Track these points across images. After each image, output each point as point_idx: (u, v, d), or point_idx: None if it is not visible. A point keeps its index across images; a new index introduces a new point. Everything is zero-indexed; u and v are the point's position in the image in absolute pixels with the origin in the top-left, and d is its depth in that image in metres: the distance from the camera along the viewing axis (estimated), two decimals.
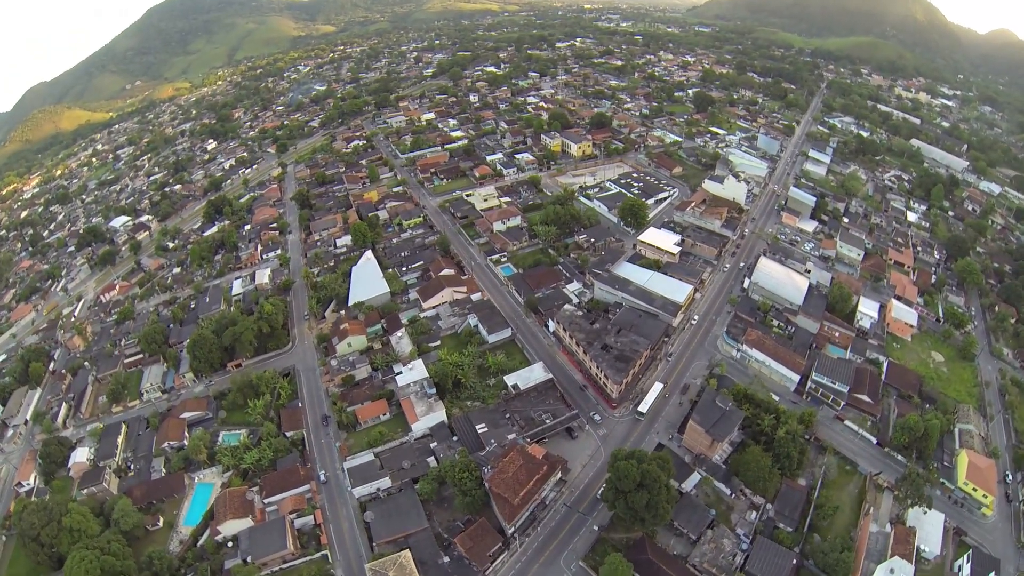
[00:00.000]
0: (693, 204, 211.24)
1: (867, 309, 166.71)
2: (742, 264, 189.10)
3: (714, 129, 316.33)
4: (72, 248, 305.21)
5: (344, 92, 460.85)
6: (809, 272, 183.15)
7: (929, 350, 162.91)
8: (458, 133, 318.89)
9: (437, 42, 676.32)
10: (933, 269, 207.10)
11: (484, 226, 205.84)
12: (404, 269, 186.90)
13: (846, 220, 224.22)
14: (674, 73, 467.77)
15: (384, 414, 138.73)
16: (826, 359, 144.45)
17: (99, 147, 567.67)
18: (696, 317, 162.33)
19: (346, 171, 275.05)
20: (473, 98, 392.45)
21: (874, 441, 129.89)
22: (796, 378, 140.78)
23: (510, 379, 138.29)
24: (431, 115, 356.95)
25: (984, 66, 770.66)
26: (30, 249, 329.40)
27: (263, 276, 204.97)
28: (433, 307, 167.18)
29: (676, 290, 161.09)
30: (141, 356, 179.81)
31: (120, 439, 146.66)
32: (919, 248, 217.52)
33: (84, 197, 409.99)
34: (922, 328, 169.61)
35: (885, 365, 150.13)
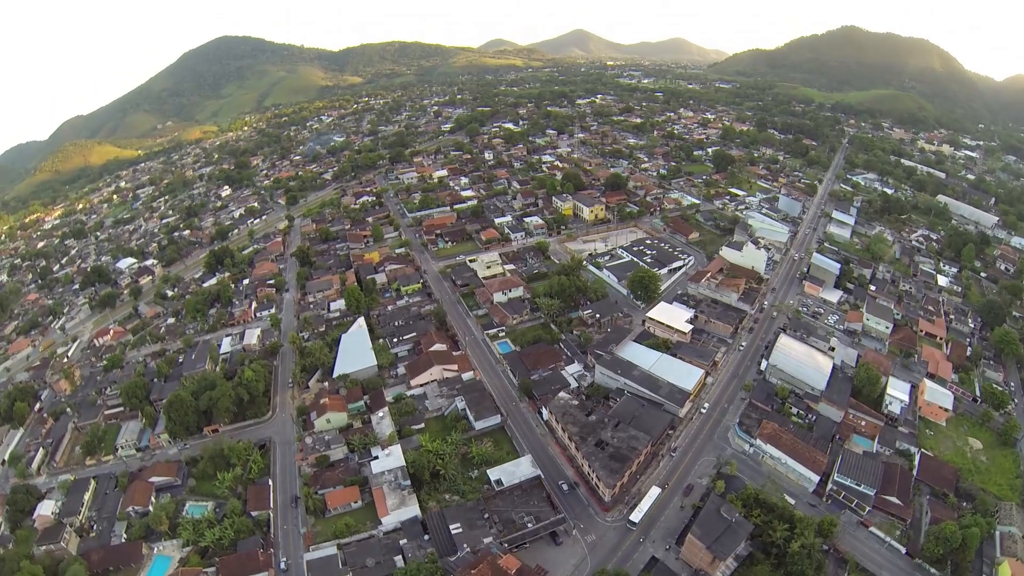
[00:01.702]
0: (709, 275, 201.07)
1: (897, 392, 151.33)
2: (760, 342, 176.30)
3: (734, 190, 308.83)
4: (77, 286, 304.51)
5: (361, 145, 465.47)
6: (833, 350, 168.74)
7: (966, 436, 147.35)
8: (469, 192, 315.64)
9: (459, 97, 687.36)
10: (968, 340, 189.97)
11: (484, 296, 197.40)
12: (396, 340, 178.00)
13: (873, 288, 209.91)
14: (694, 131, 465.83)
15: (355, 502, 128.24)
16: (850, 456, 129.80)
17: (122, 184, 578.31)
18: (706, 405, 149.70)
19: (351, 228, 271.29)
20: (488, 155, 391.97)
21: (903, 551, 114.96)
22: (816, 478, 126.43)
23: (494, 473, 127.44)
24: (444, 172, 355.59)
25: (1003, 113, 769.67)
26: (39, 282, 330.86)
27: (252, 336, 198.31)
28: (421, 385, 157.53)
29: (685, 375, 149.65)
30: (121, 409, 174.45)
31: (88, 495, 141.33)
32: (952, 316, 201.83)
33: (99, 234, 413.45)
34: (958, 410, 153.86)
35: (917, 457, 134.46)
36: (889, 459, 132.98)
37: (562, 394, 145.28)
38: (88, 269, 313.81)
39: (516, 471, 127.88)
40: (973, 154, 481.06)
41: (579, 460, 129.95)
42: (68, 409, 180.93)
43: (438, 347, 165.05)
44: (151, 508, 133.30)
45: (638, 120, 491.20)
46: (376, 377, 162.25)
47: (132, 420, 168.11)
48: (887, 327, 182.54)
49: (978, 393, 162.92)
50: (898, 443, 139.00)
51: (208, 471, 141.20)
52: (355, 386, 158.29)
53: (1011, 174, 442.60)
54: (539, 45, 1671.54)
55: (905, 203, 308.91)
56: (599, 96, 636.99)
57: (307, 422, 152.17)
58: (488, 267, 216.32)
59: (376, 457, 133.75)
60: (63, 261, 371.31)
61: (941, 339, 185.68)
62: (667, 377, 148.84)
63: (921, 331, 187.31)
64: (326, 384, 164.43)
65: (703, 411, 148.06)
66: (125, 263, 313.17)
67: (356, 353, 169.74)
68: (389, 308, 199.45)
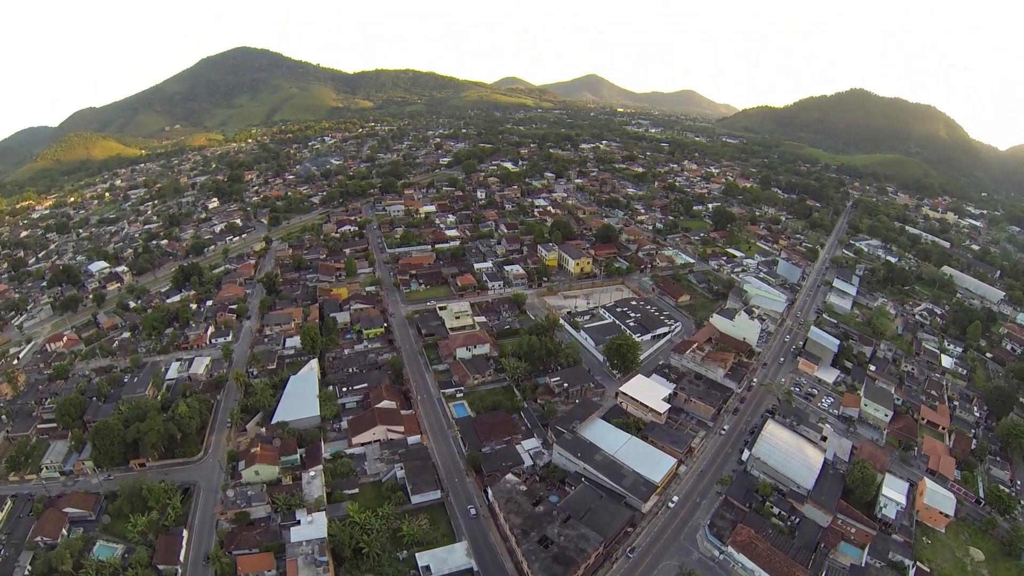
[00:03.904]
0: (696, 345, 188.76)
1: (893, 492, 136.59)
2: (744, 426, 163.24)
3: (731, 251, 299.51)
4: (45, 283, 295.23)
5: (355, 171, 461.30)
6: (825, 440, 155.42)
7: (966, 545, 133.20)
8: (453, 232, 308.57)
9: (464, 131, 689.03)
10: (972, 431, 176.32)
11: (447, 350, 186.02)
12: (346, 389, 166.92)
13: (873, 368, 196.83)
14: (696, 184, 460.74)
15: (269, 571, 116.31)
16: (836, 571, 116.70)
17: (118, 183, 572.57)
18: (675, 499, 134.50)
19: (325, 258, 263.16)
20: (481, 194, 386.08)
21: None
22: None
23: (423, 558, 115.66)
24: (432, 208, 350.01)
25: (1006, 183, 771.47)
26: (12, 273, 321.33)
27: (201, 365, 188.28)
28: (362, 444, 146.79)
29: (654, 464, 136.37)
30: (55, 426, 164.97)
31: (1, 516, 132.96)
32: (956, 403, 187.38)
33: (81, 231, 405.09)
34: (959, 514, 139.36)
35: (912, 572, 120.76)
36: (880, 573, 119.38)
37: (509, 476, 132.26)
38: (60, 267, 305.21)
39: (448, 559, 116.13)
40: (977, 223, 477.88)
41: (518, 557, 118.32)
42: (3, 416, 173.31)
43: (386, 404, 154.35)
44: (60, 541, 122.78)
45: (640, 169, 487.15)
46: (316, 429, 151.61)
47: (62, 440, 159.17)
48: (886, 414, 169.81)
49: (982, 494, 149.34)
50: (891, 554, 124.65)
51: (125, 510, 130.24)
52: (292, 436, 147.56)
53: (1016, 245, 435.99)
54: (552, 86, 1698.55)
55: (909, 273, 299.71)
56: (604, 142, 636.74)
57: (236, 470, 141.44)
58: (457, 317, 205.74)
59: (299, 522, 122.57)
60: (40, 255, 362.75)
61: (944, 429, 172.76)
62: (633, 465, 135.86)
63: (922, 419, 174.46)
64: (263, 430, 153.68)
65: (671, 505, 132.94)
66: (97, 266, 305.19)
67: (301, 400, 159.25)
68: (346, 352, 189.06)
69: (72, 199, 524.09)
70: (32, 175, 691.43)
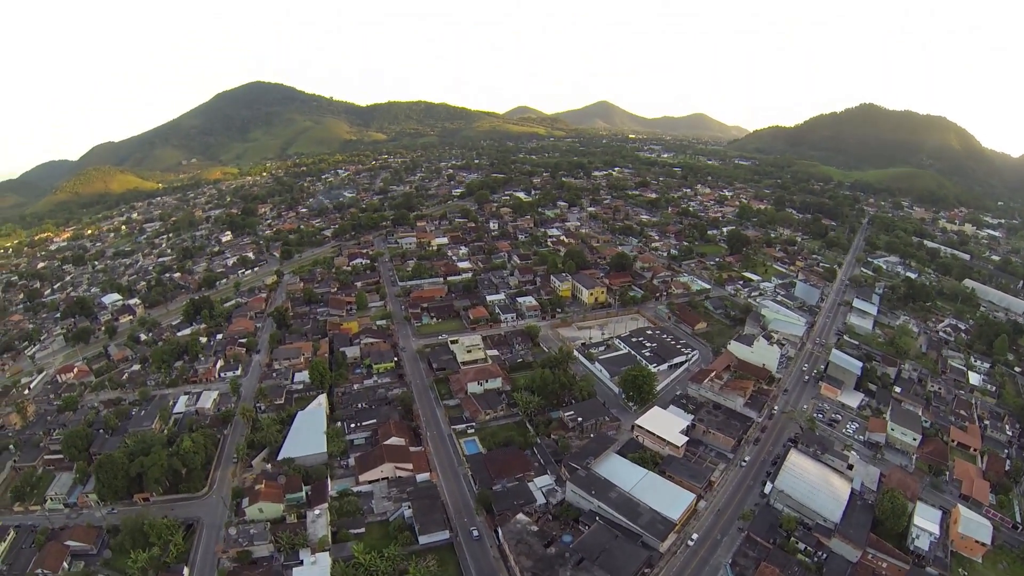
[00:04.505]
0: (714, 374, 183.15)
1: (926, 522, 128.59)
2: (766, 456, 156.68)
3: (747, 275, 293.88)
4: (59, 314, 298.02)
5: (368, 203, 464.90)
6: (852, 469, 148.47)
7: (1005, 574, 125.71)
8: (466, 264, 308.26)
9: (476, 161, 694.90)
10: (1005, 451, 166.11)
11: (458, 385, 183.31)
12: (354, 426, 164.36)
13: (898, 390, 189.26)
14: (710, 208, 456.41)
15: None
16: None
17: (135, 216, 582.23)
18: (695, 537, 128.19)
19: (336, 292, 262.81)
20: (493, 225, 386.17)
21: None
22: None
23: None
24: (444, 240, 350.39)
25: (1021, 190, 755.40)
26: (27, 304, 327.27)
27: (208, 399, 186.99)
28: (369, 482, 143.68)
29: (672, 501, 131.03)
30: (61, 457, 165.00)
31: (3, 547, 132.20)
32: (986, 422, 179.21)
33: (97, 263, 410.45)
34: (995, 541, 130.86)
35: None
36: None
37: (520, 516, 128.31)
38: (74, 299, 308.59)
39: None
40: (996, 233, 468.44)
41: None
42: (11, 446, 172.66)
43: (395, 440, 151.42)
44: (59, 574, 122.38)
45: (653, 195, 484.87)
46: (323, 466, 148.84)
47: (67, 472, 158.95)
48: (914, 438, 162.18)
49: (1018, 519, 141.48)
50: None
51: (126, 545, 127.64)
52: (298, 473, 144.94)
53: None
54: (564, 114, 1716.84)
55: (930, 289, 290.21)
56: (616, 168, 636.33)
57: (240, 507, 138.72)
58: (468, 351, 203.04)
59: (301, 562, 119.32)
60: (56, 286, 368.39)
61: (975, 451, 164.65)
62: (650, 502, 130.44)
63: (953, 441, 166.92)
64: (269, 466, 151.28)
65: (690, 544, 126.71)
66: (110, 298, 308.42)
67: (308, 436, 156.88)
68: (355, 387, 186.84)
69: (89, 232, 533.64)
70: (52, 207, 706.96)
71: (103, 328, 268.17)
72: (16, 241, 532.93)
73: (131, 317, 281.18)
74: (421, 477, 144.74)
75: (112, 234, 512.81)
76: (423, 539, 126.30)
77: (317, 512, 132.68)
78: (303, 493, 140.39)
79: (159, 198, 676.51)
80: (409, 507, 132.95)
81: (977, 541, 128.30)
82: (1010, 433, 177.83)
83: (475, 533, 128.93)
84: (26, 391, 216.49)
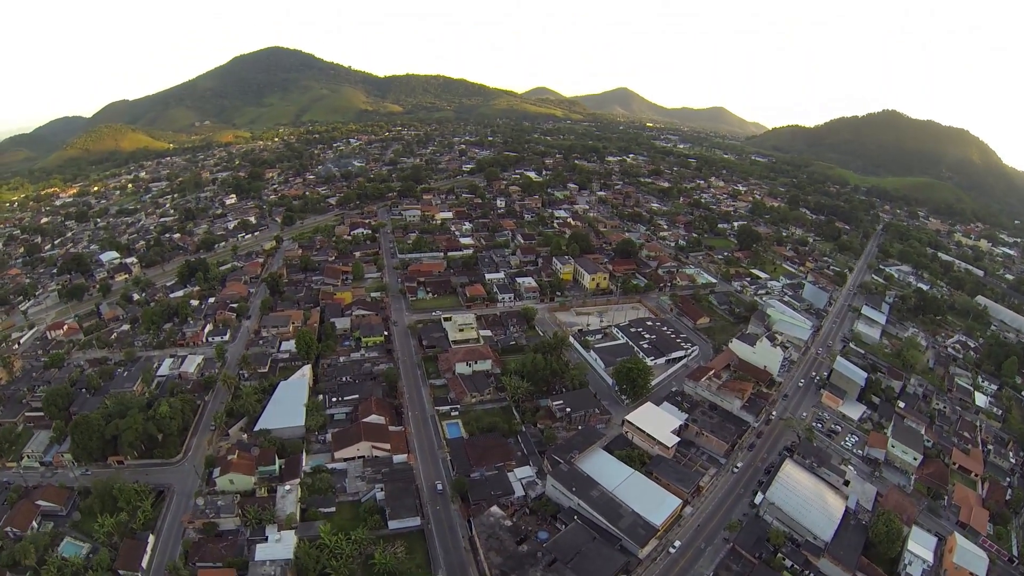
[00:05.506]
0: (712, 372, 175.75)
1: (919, 548, 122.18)
2: (759, 463, 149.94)
3: (756, 271, 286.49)
4: (56, 270, 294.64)
5: (375, 173, 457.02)
6: (848, 485, 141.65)
7: None
8: (468, 240, 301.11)
9: (490, 139, 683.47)
10: (1007, 480, 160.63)
11: (446, 364, 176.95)
12: (335, 400, 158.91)
13: (902, 405, 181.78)
14: (722, 202, 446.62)
15: None
16: None
17: (142, 175, 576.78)
18: (677, 544, 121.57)
19: (333, 261, 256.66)
20: (500, 203, 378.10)
21: None
22: None
23: None
24: (448, 214, 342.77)
25: None
26: (26, 258, 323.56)
27: (192, 363, 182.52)
28: (345, 459, 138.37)
29: (657, 505, 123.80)
30: (42, 415, 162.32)
31: None
32: (990, 447, 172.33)
33: (99, 221, 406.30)
34: (991, 574, 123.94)
35: None
36: None
37: (495, 508, 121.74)
38: (71, 255, 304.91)
39: None
40: (1011, 251, 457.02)
41: None
42: None
43: (374, 418, 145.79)
44: (27, 534, 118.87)
45: (666, 184, 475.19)
46: (299, 440, 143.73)
47: (46, 430, 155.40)
48: (915, 458, 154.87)
49: (1015, 552, 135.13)
50: None
51: (95, 508, 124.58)
52: (274, 445, 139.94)
53: None
54: (582, 98, 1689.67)
55: (942, 302, 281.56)
56: (631, 155, 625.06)
57: (211, 477, 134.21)
58: (461, 330, 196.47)
59: (266, 539, 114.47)
60: (56, 242, 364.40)
61: (977, 476, 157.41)
62: (633, 504, 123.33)
63: (954, 464, 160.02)
64: (246, 436, 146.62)
65: (671, 551, 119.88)
66: (107, 256, 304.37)
67: (287, 407, 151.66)
68: (342, 360, 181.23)
69: (96, 188, 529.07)
70: (61, 163, 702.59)
71: (98, 286, 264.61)
72: (23, 195, 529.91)
73: (127, 276, 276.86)
74: (398, 458, 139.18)
75: (118, 192, 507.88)
76: (393, 524, 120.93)
77: (288, 487, 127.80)
78: (276, 466, 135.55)
79: (168, 158, 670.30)
80: (382, 490, 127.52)
81: (972, 573, 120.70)
82: (1013, 461, 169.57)
83: (439, 487, 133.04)
84: (15, 346, 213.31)
